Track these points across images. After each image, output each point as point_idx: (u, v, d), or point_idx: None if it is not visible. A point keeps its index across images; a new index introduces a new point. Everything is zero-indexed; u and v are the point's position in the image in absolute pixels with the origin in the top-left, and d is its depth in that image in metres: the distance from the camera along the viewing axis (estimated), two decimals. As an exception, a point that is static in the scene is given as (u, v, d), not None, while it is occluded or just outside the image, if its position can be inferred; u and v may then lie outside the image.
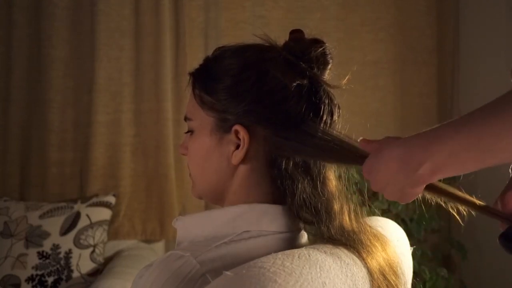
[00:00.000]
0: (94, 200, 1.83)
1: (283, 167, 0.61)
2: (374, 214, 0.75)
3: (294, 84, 0.62)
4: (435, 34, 2.15)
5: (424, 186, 0.53)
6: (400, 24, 2.13)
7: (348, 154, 0.60)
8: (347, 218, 0.63)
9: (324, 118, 0.64)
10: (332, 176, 0.66)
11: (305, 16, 2.08)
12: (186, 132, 0.68)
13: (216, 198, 0.68)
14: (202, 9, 2.04)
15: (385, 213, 1.77)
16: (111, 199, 1.87)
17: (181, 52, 2.03)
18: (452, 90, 2.17)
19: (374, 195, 1.79)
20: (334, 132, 0.63)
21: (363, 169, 0.57)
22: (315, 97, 0.63)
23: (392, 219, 0.79)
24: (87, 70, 1.99)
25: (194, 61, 1.92)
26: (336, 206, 0.63)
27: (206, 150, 0.65)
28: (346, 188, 0.66)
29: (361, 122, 2.01)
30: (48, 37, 1.95)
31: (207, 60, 0.67)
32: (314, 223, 0.62)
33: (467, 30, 2.12)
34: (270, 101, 0.61)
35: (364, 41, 2.11)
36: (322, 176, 0.64)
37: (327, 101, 0.64)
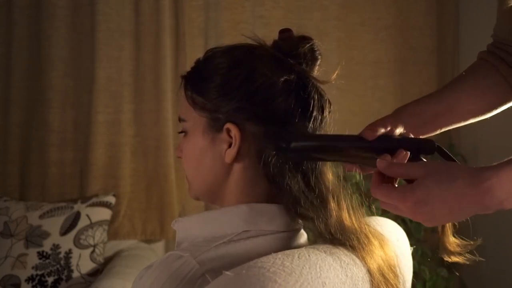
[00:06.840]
0: (94, 200, 1.83)
1: (273, 164, 0.61)
2: (374, 214, 0.75)
3: (282, 79, 0.62)
4: (435, 34, 2.14)
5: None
6: (400, 24, 2.13)
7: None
8: (347, 215, 0.63)
9: (314, 114, 0.64)
10: (328, 170, 0.65)
11: (305, 16, 2.08)
12: (180, 132, 0.69)
13: (213, 198, 0.68)
14: (202, 9, 2.04)
15: (385, 213, 1.77)
16: (111, 199, 1.87)
17: (181, 52, 2.03)
18: (452, 90, 2.16)
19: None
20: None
21: (409, 197, 0.55)
22: (303, 92, 0.63)
23: (392, 219, 0.79)
24: (87, 70, 1.99)
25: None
26: (333, 202, 0.62)
27: (200, 150, 0.65)
28: (344, 184, 0.65)
29: (361, 122, 2.02)
30: (48, 37, 1.95)
31: (198, 62, 0.68)
32: (311, 219, 0.62)
33: (467, 30, 2.12)
34: (258, 98, 0.62)
35: (364, 41, 2.11)
36: (316, 171, 0.64)
37: (316, 97, 0.64)
